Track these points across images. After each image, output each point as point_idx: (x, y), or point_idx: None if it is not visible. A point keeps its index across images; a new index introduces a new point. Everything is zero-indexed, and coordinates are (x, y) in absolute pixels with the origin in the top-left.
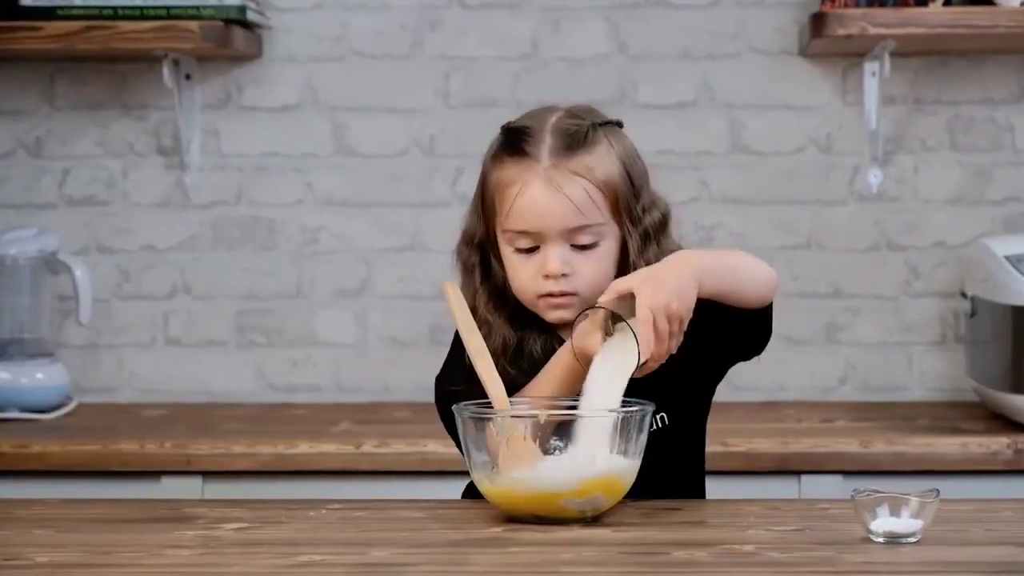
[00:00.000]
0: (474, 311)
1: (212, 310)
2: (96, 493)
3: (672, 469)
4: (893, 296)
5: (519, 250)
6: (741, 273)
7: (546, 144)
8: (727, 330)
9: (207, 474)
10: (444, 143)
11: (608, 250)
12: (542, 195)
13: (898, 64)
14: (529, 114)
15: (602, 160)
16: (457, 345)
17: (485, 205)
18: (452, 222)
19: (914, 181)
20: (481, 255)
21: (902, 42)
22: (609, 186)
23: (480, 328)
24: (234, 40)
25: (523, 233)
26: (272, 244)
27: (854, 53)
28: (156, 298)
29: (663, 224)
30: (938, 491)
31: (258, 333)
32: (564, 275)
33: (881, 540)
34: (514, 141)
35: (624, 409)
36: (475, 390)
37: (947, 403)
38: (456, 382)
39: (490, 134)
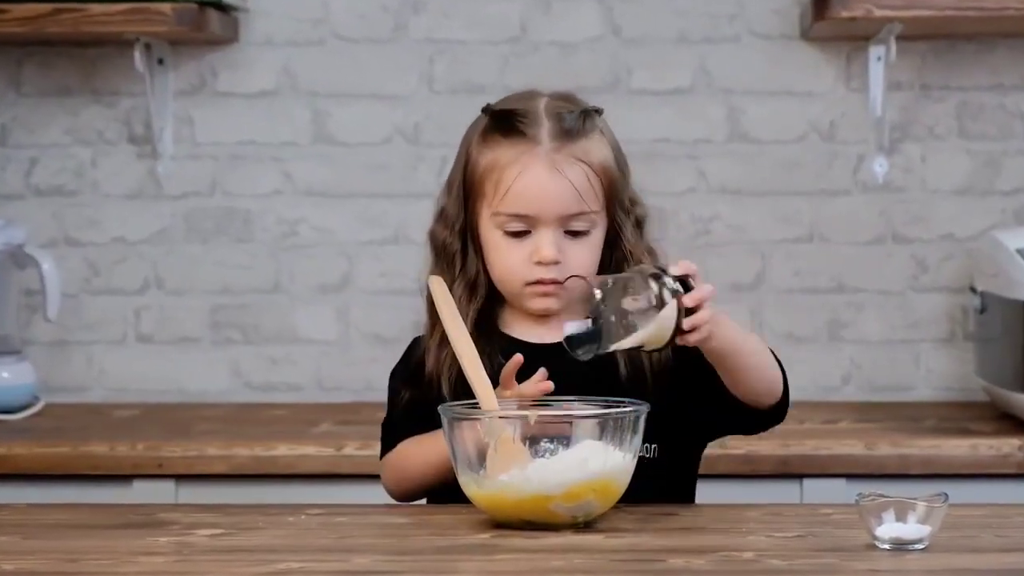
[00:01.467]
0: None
1: (186, 306)
2: (64, 497)
3: (660, 499)
4: (899, 291)
5: (509, 233)
6: (751, 343)
7: (545, 127)
8: (723, 409)
9: (181, 477)
10: (429, 131)
11: (597, 239)
12: (545, 178)
13: (904, 48)
14: (512, 97)
15: (598, 147)
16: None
17: (468, 188)
18: None
19: (921, 170)
20: (462, 243)
21: (909, 25)
22: (606, 173)
23: None
24: (209, 23)
25: (518, 216)
26: (249, 237)
27: (858, 37)
28: (127, 293)
29: (646, 218)
30: (946, 495)
31: (234, 330)
32: (556, 262)
33: (887, 547)
34: (510, 122)
35: (618, 409)
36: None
37: (955, 403)
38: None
39: None
